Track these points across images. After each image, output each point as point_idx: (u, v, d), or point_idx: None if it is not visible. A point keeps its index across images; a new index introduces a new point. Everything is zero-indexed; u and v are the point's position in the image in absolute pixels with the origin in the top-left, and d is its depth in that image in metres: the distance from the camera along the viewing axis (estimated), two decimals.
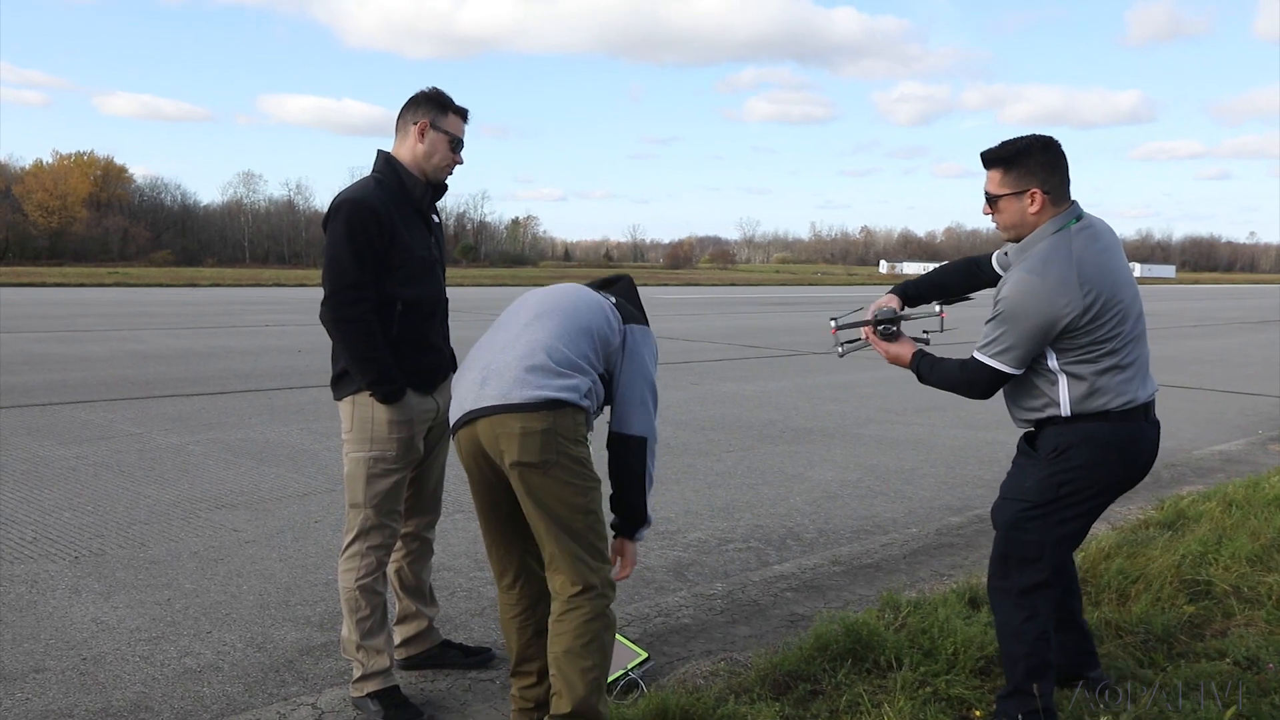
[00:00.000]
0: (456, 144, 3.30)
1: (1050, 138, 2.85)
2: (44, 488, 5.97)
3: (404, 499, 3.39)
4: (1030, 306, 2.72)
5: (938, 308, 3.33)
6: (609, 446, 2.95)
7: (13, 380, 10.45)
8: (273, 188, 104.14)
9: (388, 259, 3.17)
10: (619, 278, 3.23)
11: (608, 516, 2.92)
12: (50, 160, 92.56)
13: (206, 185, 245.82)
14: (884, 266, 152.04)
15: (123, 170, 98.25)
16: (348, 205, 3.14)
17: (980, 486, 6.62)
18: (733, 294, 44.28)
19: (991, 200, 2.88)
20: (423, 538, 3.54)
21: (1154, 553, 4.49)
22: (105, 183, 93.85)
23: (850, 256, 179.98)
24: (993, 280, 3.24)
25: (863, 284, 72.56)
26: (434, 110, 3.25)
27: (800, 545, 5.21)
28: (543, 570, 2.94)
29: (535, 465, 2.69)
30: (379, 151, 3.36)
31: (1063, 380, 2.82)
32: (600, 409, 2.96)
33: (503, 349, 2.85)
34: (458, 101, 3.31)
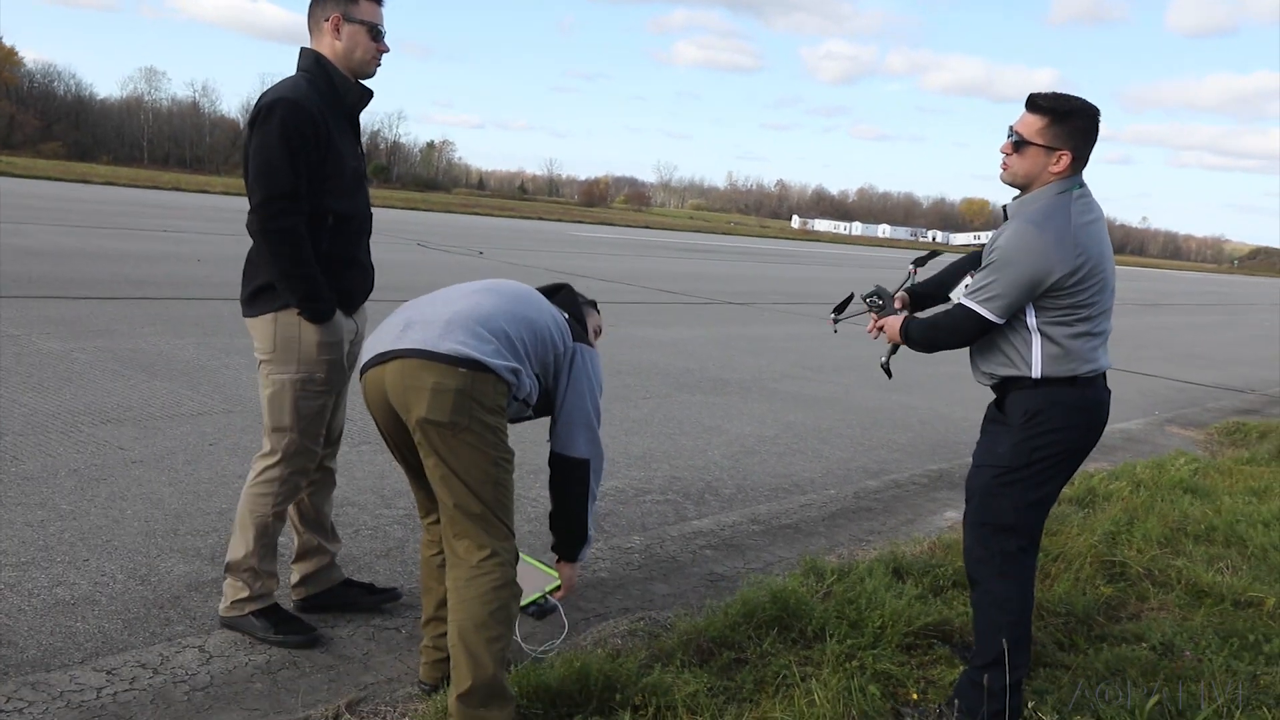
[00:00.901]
0: (376, 32, 3.03)
1: (1098, 110, 2.80)
2: None
3: (325, 425, 3.16)
4: (1025, 257, 2.70)
5: (911, 267, 3.30)
6: (551, 466, 2.89)
7: None
8: (177, 87, 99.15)
9: (323, 168, 2.92)
10: (560, 286, 3.11)
11: (545, 538, 2.76)
12: None
13: (105, 78, 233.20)
14: (796, 222, 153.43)
15: (11, 52, 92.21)
16: (283, 105, 2.85)
17: (895, 450, 6.61)
18: (647, 236, 44.01)
19: (1020, 143, 2.78)
20: (325, 467, 3.31)
21: (1072, 531, 4.50)
22: None
23: (764, 209, 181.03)
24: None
25: (775, 236, 72.98)
26: (344, 2, 2.96)
27: (719, 501, 5.09)
28: None
29: (444, 425, 2.50)
30: (303, 50, 3.04)
31: (1037, 340, 2.79)
32: (533, 411, 2.86)
33: (438, 305, 2.68)
34: None
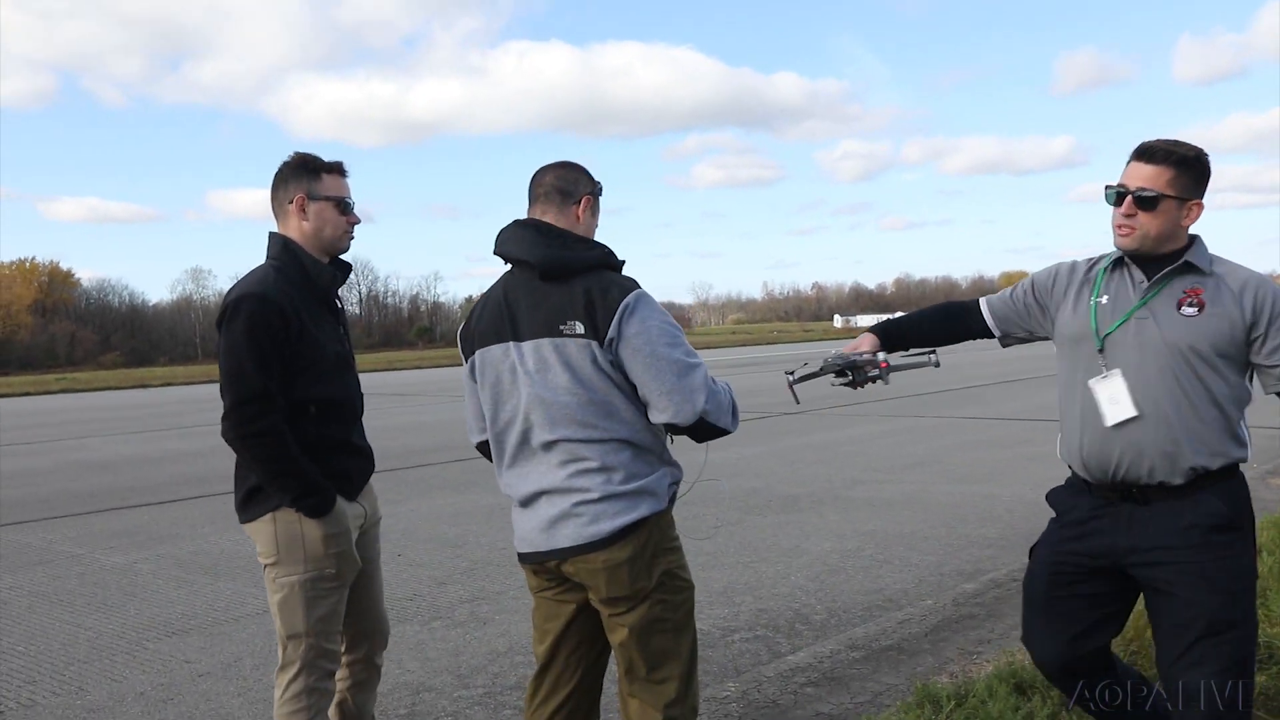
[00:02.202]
0: (344, 206, 2.89)
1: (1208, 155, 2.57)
2: None
3: (345, 620, 2.95)
4: None
5: (931, 358, 2.92)
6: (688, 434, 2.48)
7: None
8: (222, 282, 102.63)
9: (296, 360, 2.75)
10: (556, 239, 2.49)
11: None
12: None
13: (155, 284, 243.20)
14: (839, 321, 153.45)
15: (69, 275, 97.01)
16: (248, 302, 2.71)
17: (987, 547, 6.25)
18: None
19: (1149, 200, 2.48)
20: (373, 663, 3.08)
21: None
22: (50, 288, 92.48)
23: (804, 313, 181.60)
24: (981, 330, 2.89)
25: (819, 339, 72.87)
26: (305, 179, 2.85)
27: (811, 629, 4.78)
28: (600, 684, 2.66)
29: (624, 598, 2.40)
30: (271, 235, 2.90)
31: (1245, 419, 2.52)
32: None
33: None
34: (331, 158, 2.92)
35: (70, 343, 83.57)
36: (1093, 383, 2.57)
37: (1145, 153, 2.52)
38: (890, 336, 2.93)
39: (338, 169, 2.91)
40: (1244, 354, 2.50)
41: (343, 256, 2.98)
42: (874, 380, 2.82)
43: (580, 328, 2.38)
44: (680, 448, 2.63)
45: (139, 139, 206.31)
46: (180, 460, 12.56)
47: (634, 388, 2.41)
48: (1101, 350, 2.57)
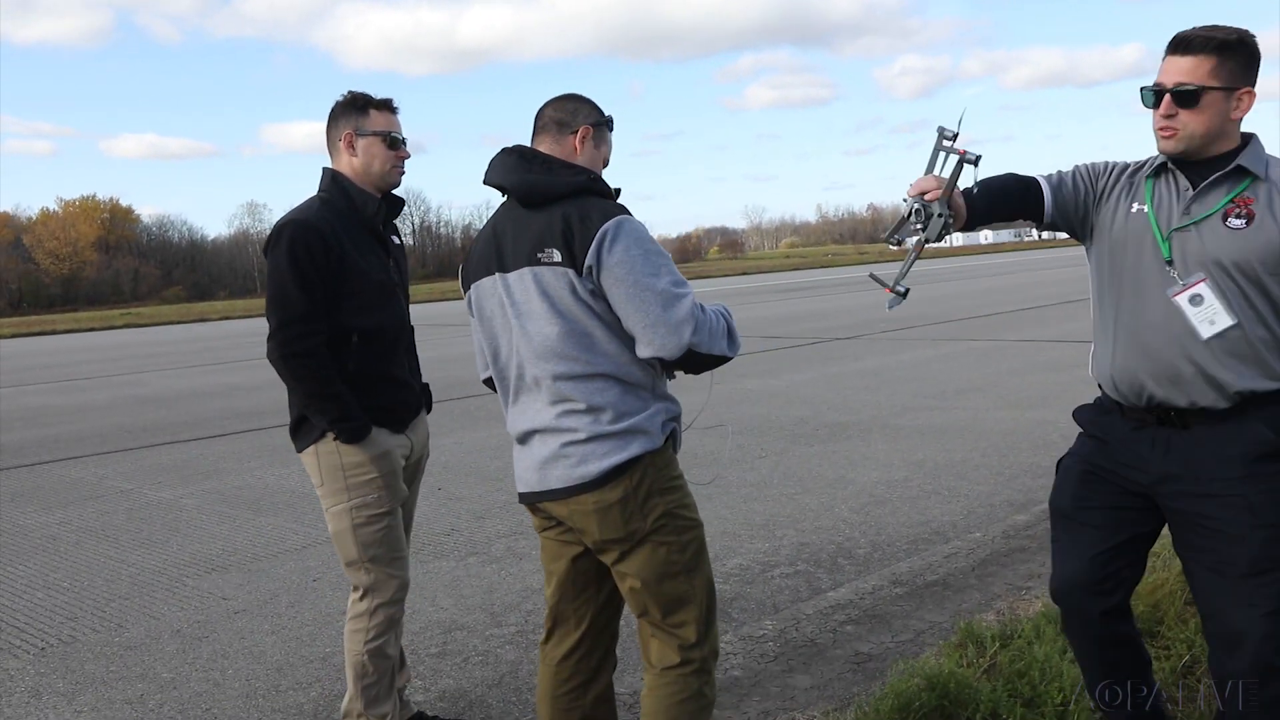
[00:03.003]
0: (393, 141, 2.93)
1: (1255, 36, 2.28)
2: (18, 563, 5.47)
3: (404, 544, 3.02)
4: None
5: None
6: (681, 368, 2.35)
7: (4, 439, 10.00)
8: (277, 215, 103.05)
9: (340, 286, 2.81)
10: (540, 164, 2.36)
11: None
12: (56, 207, 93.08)
13: (214, 219, 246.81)
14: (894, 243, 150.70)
15: (129, 211, 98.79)
16: (290, 228, 2.78)
17: (1040, 475, 6.03)
18: (746, 283, 43.66)
19: (1190, 95, 2.23)
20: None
21: None
22: (113, 225, 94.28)
23: (859, 235, 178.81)
24: (1036, 210, 2.49)
25: (874, 261, 71.66)
26: (354, 116, 2.91)
27: (854, 564, 4.64)
28: (615, 624, 2.56)
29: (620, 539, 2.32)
30: (324, 170, 2.97)
31: None
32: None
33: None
34: (383, 94, 2.98)
35: (134, 278, 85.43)
36: (1178, 297, 2.30)
37: (1181, 43, 2.26)
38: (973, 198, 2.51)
39: (386, 105, 2.96)
40: None
41: (396, 192, 3.05)
42: (945, 224, 2.33)
43: (557, 255, 2.25)
44: (691, 384, 2.45)
45: (194, 74, 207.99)
46: (231, 395, 12.71)
47: (617, 319, 2.27)
48: (1170, 262, 2.31)
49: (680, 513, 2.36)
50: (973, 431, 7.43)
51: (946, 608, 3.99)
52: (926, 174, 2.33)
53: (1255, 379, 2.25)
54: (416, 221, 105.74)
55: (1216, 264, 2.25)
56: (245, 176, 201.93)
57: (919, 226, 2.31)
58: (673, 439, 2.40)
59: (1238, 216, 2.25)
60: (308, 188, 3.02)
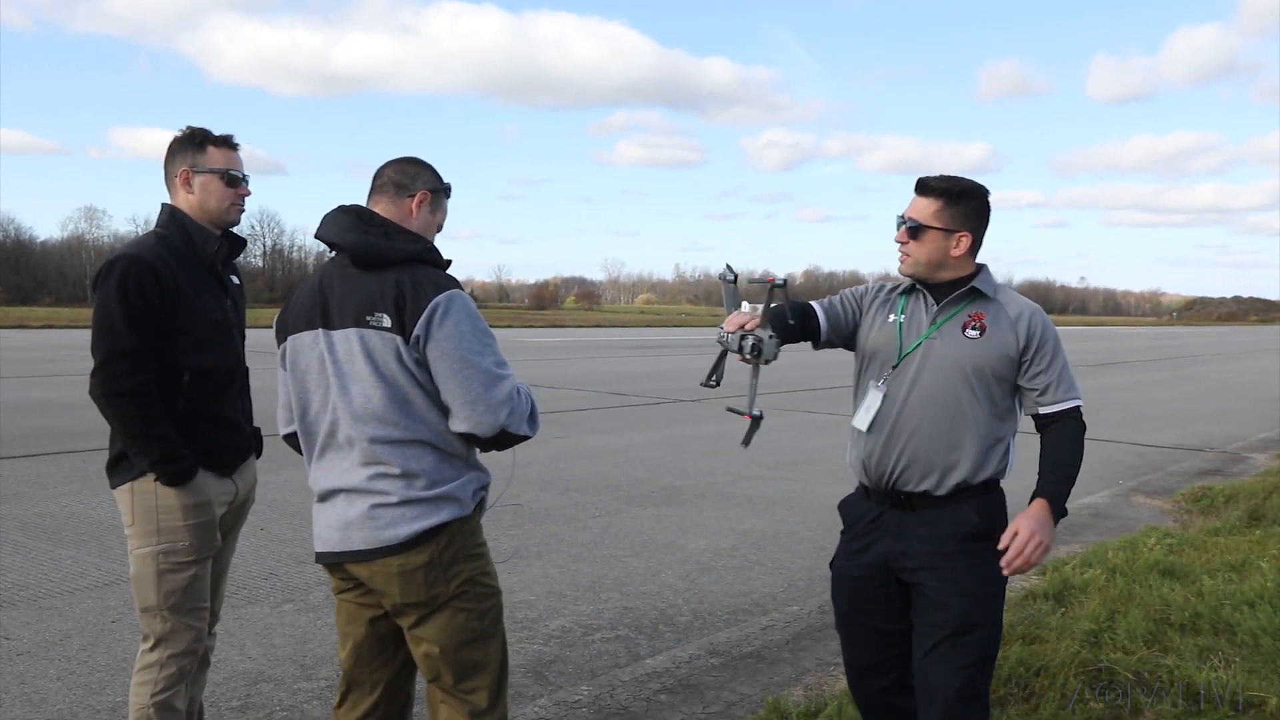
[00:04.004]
0: (231, 179, 2.89)
1: (988, 190, 2.72)
2: None
3: (208, 595, 2.92)
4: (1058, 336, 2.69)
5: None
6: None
7: None
8: (118, 223, 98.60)
9: (173, 323, 2.74)
10: (377, 227, 2.36)
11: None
12: None
13: (46, 221, 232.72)
14: (746, 307, 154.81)
15: None
16: (122, 262, 2.71)
17: None
18: (598, 336, 43.95)
19: (918, 229, 2.67)
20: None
21: (1049, 635, 4.19)
22: None
23: (714, 298, 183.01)
24: (814, 331, 2.78)
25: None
26: (191, 152, 2.87)
27: (674, 632, 4.72)
28: (410, 688, 2.56)
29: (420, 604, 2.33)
30: (163, 205, 2.91)
31: (1011, 437, 2.73)
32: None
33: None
34: (230, 126, 3.01)
35: None
36: (872, 387, 2.75)
37: (921, 186, 2.70)
38: (781, 316, 2.80)
39: (226, 142, 2.92)
40: (1015, 376, 2.67)
41: (239, 231, 3.02)
42: (756, 351, 2.57)
43: (387, 321, 2.29)
44: (500, 458, 2.50)
45: (42, 67, 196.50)
46: (44, 411, 11.92)
47: (439, 389, 2.30)
48: (896, 366, 2.72)
49: (482, 580, 2.39)
50: (801, 503, 7.69)
51: (758, 680, 4.10)
52: (732, 313, 2.66)
53: (970, 471, 2.63)
54: (269, 244, 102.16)
55: (954, 364, 2.64)
56: (88, 179, 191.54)
57: (751, 356, 2.55)
58: (480, 506, 2.44)
59: (973, 329, 2.66)
60: (155, 196, 2.95)
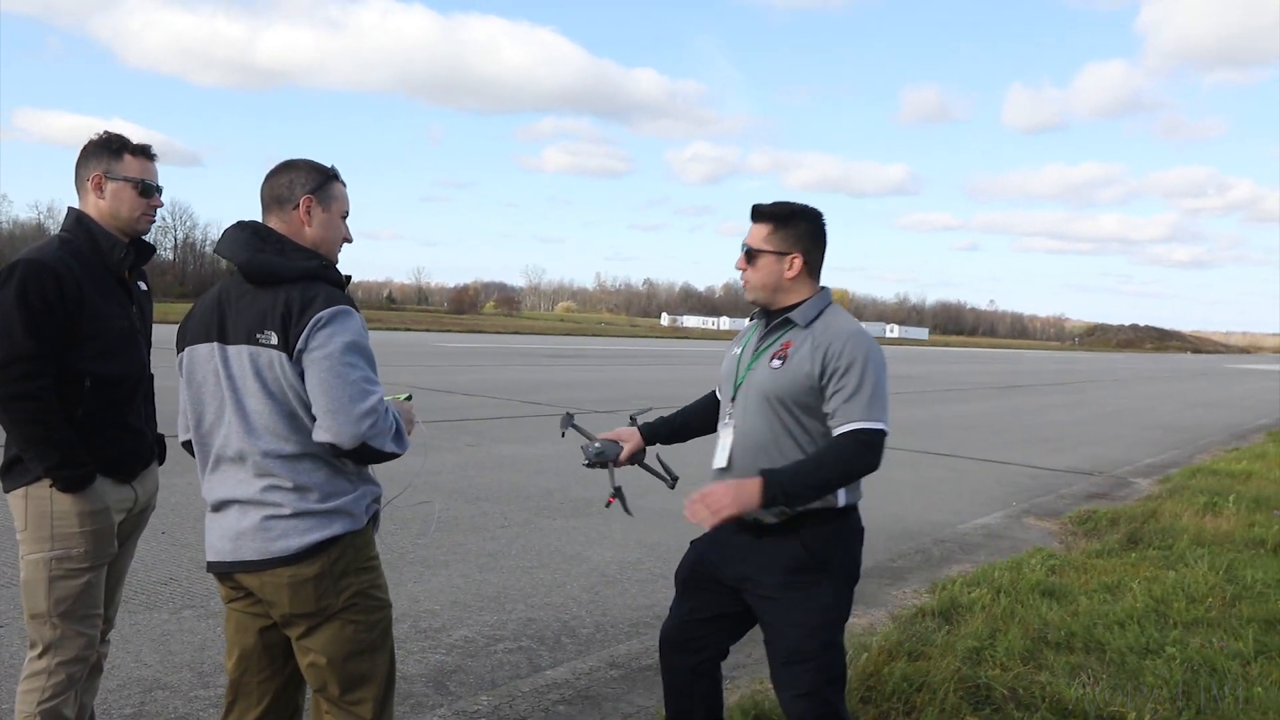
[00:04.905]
0: (145, 188, 2.90)
1: (820, 212, 2.83)
2: None
3: (101, 603, 2.90)
4: (880, 358, 2.66)
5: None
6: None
7: None
8: (19, 210, 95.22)
9: (76, 330, 2.74)
10: (273, 244, 2.43)
11: None
12: None
13: None
14: (666, 319, 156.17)
15: None
16: (23, 266, 2.71)
17: None
18: (516, 343, 43.83)
19: (752, 254, 2.80)
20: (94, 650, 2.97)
21: (934, 652, 4.39)
22: None
23: (634, 307, 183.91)
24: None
25: (645, 335, 73.78)
26: (105, 158, 2.86)
27: (576, 643, 4.81)
28: (298, 699, 2.59)
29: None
30: (70, 209, 2.90)
31: None
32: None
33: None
34: (137, 140, 2.96)
35: None
36: (722, 426, 2.89)
37: (754, 213, 2.84)
38: (659, 434, 3.18)
39: (143, 151, 2.94)
40: (822, 404, 2.67)
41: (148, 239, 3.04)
42: (614, 492, 3.08)
43: (274, 338, 2.35)
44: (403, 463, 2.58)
45: None
46: None
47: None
48: (734, 400, 2.85)
49: (372, 593, 2.45)
50: None
51: (656, 693, 4.19)
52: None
53: (823, 499, 2.68)
54: (180, 237, 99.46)
55: (761, 394, 2.74)
56: None
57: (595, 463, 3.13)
58: (374, 520, 2.50)
59: (779, 358, 2.74)
60: (59, 182, 2.94)
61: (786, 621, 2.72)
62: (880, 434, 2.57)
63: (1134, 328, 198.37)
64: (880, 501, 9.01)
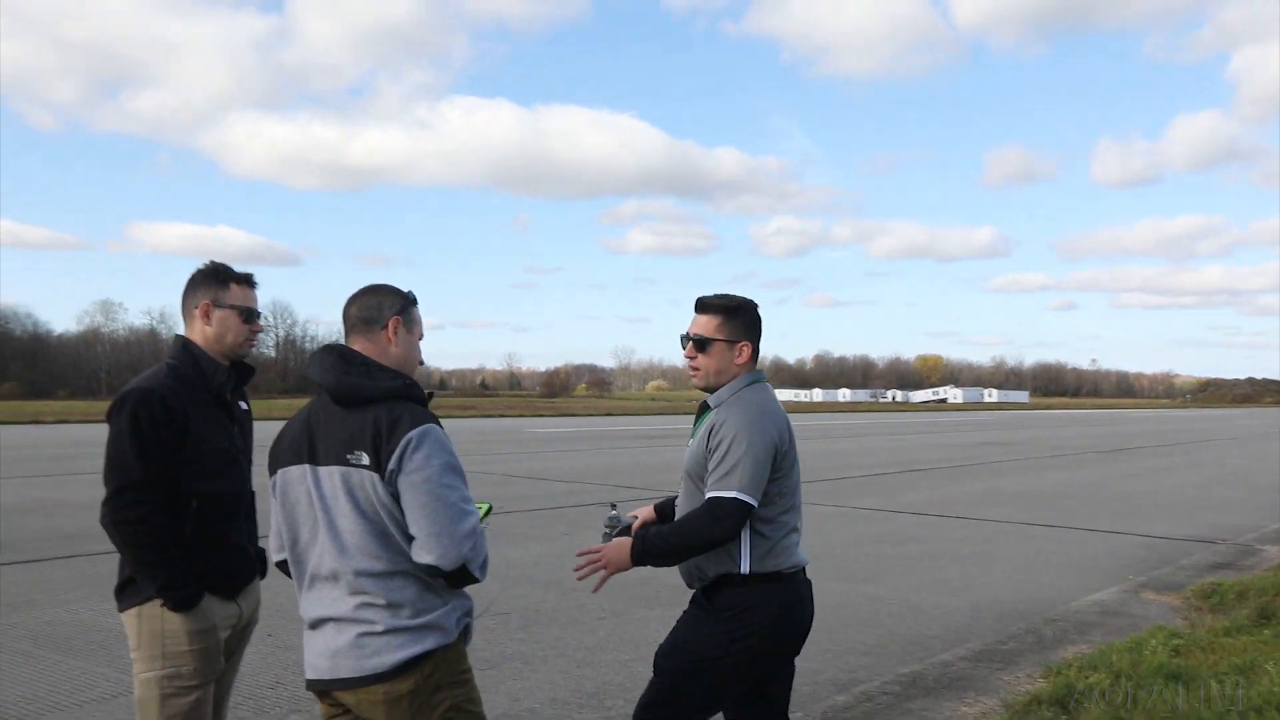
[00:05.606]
0: (249, 315, 3.07)
1: (757, 303, 3.08)
2: None
3: (209, 719, 2.99)
4: (759, 433, 2.81)
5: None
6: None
7: None
8: (133, 316, 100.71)
9: (181, 453, 2.88)
10: (358, 367, 2.51)
11: None
12: None
13: (63, 314, 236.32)
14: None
15: None
16: (134, 395, 2.87)
17: (864, 654, 6.28)
18: (608, 426, 44.03)
19: (703, 344, 2.99)
20: None
21: None
22: None
23: None
24: None
25: None
26: (213, 287, 3.03)
27: None
28: None
29: None
30: (176, 336, 3.09)
31: (746, 535, 2.89)
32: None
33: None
34: (241, 269, 3.14)
35: None
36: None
37: (700, 305, 3.05)
38: (667, 513, 3.36)
39: (247, 280, 3.11)
40: None
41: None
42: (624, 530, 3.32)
43: (365, 459, 2.40)
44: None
45: (66, 165, 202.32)
46: (56, 512, 12.01)
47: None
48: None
49: (466, 707, 2.46)
50: None
51: None
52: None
53: (712, 566, 2.94)
54: (281, 334, 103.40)
55: (684, 471, 3.06)
56: (105, 273, 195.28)
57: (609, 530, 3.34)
58: (465, 634, 2.52)
59: (692, 437, 3.05)
60: (170, 289, 3.12)
61: (668, 636, 3.09)
62: (734, 503, 2.78)
63: (1250, 381, 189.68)
64: (984, 578, 8.71)
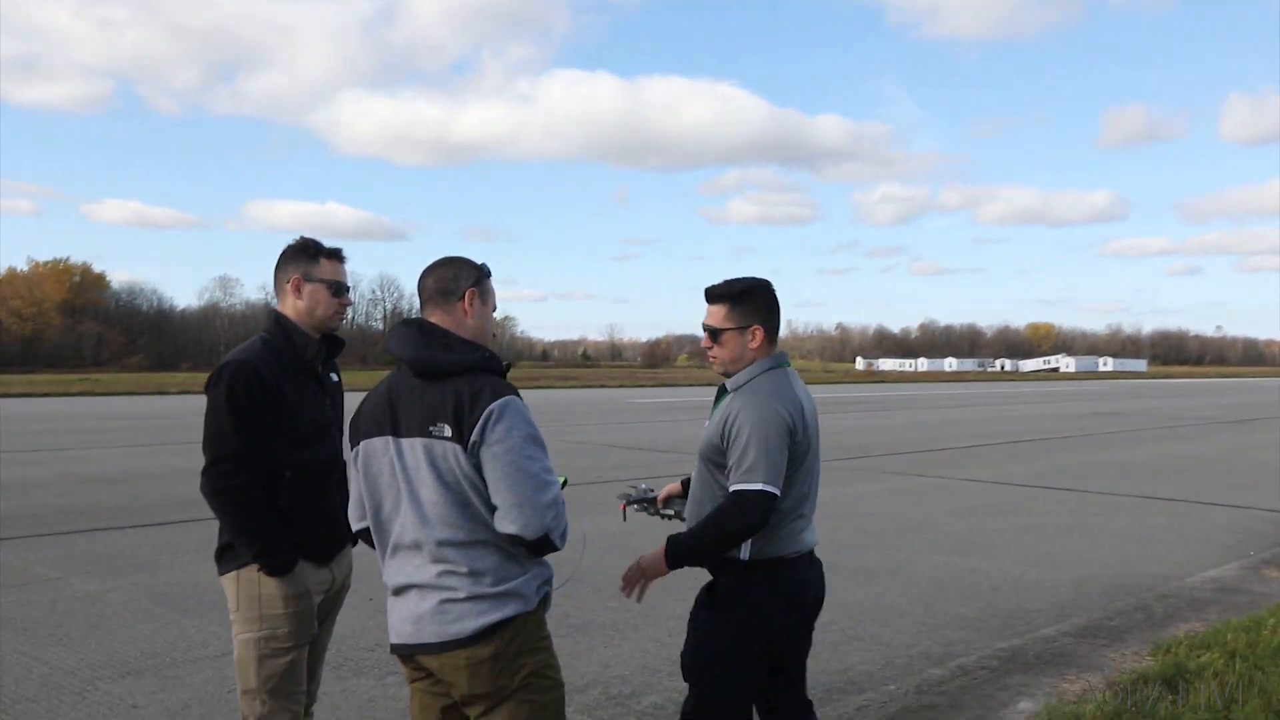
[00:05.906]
0: (338, 288, 3.13)
1: (769, 281, 3.03)
2: None
3: (304, 679, 3.11)
4: (774, 421, 2.81)
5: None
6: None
7: None
8: (250, 291, 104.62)
9: (275, 424, 2.97)
10: (438, 339, 2.54)
11: None
12: (24, 268, 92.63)
13: (185, 290, 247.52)
14: (861, 363, 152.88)
15: (100, 277, 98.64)
16: (230, 368, 2.97)
17: (963, 627, 6.14)
18: (709, 395, 43.94)
19: (715, 334, 2.99)
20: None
21: None
22: (82, 289, 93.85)
23: (827, 353, 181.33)
24: None
25: (840, 381, 72.44)
26: (303, 262, 3.10)
27: None
28: None
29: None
30: (269, 310, 3.19)
31: None
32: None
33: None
34: (331, 243, 3.20)
35: (97, 344, 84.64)
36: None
37: (709, 295, 3.03)
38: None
39: (336, 254, 3.17)
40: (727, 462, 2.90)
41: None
42: (664, 518, 3.49)
43: (448, 430, 2.43)
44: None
45: (186, 147, 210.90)
46: (177, 479, 12.59)
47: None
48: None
49: (546, 673, 2.49)
50: (904, 575, 7.55)
51: None
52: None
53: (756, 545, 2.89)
54: (388, 308, 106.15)
55: (698, 453, 3.05)
56: (223, 250, 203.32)
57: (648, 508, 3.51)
58: (545, 601, 2.54)
59: (707, 419, 3.04)
60: None
61: (685, 648, 3.08)
62: (758, 494, 2.77)
63: None
64: (1092, 552, 8.43)
